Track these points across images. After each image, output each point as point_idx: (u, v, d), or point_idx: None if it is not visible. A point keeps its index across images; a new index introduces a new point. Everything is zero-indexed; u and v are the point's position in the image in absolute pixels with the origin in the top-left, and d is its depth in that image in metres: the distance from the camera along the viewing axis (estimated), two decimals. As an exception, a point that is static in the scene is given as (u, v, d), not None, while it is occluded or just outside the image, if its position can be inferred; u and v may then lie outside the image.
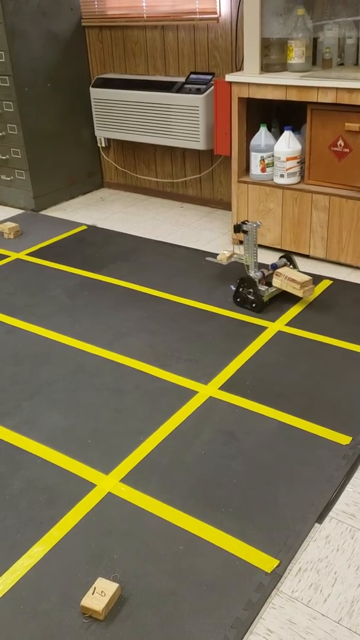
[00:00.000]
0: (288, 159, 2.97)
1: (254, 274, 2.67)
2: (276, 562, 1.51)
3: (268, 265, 2.86)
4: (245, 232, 2.67)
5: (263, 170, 3.09)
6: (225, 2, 3.33)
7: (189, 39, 3.55)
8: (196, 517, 1.65)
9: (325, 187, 2.95)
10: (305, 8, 2.89)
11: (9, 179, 4.01)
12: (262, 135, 3.05)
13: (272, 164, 3.07)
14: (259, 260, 3.05)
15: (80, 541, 1.59)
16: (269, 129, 3.16)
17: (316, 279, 2.92)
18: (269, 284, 2.70)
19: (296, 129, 3.13)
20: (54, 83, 3.86)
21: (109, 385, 2.21)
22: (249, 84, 2.93)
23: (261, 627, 1.38)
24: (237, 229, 2.68)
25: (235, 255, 2.81)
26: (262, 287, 2.66)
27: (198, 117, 3.47)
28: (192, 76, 3.53)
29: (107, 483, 1.77)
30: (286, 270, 2.62)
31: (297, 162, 3.00)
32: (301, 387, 2.15)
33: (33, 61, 3.70)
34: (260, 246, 3.28)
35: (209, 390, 2.16)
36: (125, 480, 1.78)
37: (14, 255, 3.33)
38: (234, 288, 2.77)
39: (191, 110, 3.48)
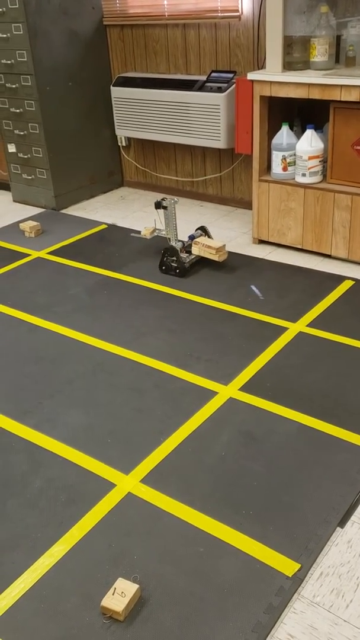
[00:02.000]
0: (310, 158, 2.95)
1: (175, 244, 3.03)
2: (297, 566, 1.50)
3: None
4: (165, 207, 3.01)
5: (284, 169, 3.06)
6: (247, 0, 3.32)
7: (210, 37, 3.53)
8: (216, 518, 1.64)
9: (347, 186, 2.92)
10: (329, 5, 2.86)
11: (30, 177, 4.04)
12: (284, 134, 3.02)
13: (293, 163, 3.04)
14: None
15: (101, 541, 1.60)
16: (291, 128, 3.13)
17: (338, 279, 2.89)
18: (189, 253, 3.05)
19: (318, 128, 3.10)
20: (75, 82, 3.87)
21: (128, 385, 2.21)
22: (271, 82, 2.90)
23: (282, 631, 1.36)
24: (158, 205, 3.02)
25: (157, 231, 3.16)
26: (184, 255, 3.02)
27: (219, 116, 3.45)
28: (214, 74, 3.51)
29: (127, 483, 1.77)
30: (203, 239, 3.01)
31: (319, 161, 2.97)
32: (322, 389, 2.13)
33: (54, 60, 3.71)
34: (281, 246, 3.26)
35: (229, 391, 2.15)
36: (145, 480, 1.78)
37: (35, 254, 3.35)
38: (254, 288, 2.79)
39: (212, 109, 3.47)
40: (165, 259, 3.00)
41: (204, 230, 3.12)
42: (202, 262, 3.10)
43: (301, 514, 1.64)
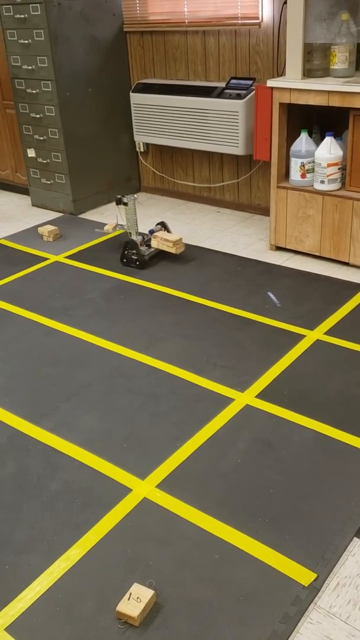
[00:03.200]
0: (329, 165, 2.94)
1: (136, 237, 3.20)
2: (314, 576, 1.49)
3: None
4: (125, 204, 3.19)
5: (303, 176, 3.06)
6: (267, 7, 3.32)
7: (230, 44, 3.54)
8: (232, 526, 1.64)
9: (366, 194, 2.91)
10: (350, 12, 2.86)
11: (49, 182, 4.07)
12: (303, 141, 3.02)
13: (312, 170, 3.04)
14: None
15: (116, 546, 1.60)
16: (310, 135, 3.13)
17: (356, 287, 2.87)
18: (149, 246, 3.22)
19: (337, 135, 3.09)
20: (94, 88, 3.90)
21: (144, 390, 2.21)
22: (290, 89, 2.90)
23: (298, 641, 1.36)
24: (119, 201, 3.20)
25: (118, 225, 3.36)
26: (143, 248, 3.19)
27: (238, 123, 3.46)
28: (233, 81, 3.52)
29: (143, 488, 1.77)
30: (161, 233, 3.19)
31: (338, 169, 2.96)
32: (340, 398, 2.12)
33: (75, 66, 3.75)
34: (298, 253, 3.25)
35: (246, 398, 2.14)
36: (161, 486, 1.78)
37: (52, 258, 3.37)
38: (271, 295, 2.78)
39: (231, 116, 3.47)
40: (126, 252, 3.15)
41: (163, 225, 3.30)
42: (220, 266, 3.11)
43: (318, 523, 1.63)
